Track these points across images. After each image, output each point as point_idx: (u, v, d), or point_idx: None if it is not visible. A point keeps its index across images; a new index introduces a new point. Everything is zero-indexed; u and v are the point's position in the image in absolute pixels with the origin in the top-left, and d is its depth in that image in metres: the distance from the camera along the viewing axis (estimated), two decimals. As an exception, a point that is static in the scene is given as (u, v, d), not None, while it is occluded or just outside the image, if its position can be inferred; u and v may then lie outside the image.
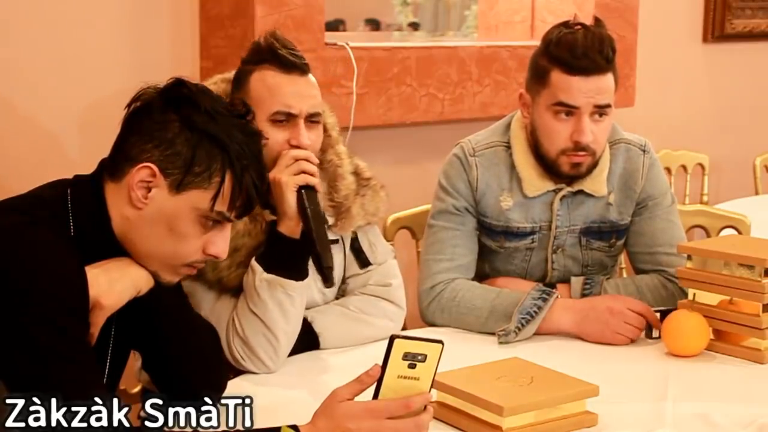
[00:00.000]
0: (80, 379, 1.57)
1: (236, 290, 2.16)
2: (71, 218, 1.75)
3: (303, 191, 2.11)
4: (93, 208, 1.76)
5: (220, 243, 1.78)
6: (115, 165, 1.78)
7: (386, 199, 2.39)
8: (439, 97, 3.60)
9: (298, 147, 2.16)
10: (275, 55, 2.18)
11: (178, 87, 1.78)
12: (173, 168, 1.73)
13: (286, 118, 2.17)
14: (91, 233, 1.75)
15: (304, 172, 2.12)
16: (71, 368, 1.59)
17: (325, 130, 2.29)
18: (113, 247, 1.76)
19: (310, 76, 2.22)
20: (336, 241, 2.26)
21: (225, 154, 1.74)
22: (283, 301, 2.12)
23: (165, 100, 1.76)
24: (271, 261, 2.12)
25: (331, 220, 2.24)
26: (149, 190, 1.74)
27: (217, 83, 2.30)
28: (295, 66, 2.18)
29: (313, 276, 2.17)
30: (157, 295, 1.81)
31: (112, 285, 1.73)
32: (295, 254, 2.13)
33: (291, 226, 2.13)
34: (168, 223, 1.74)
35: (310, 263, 2.14)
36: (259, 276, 2.11)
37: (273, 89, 2.17)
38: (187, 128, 1.74)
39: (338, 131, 2.38)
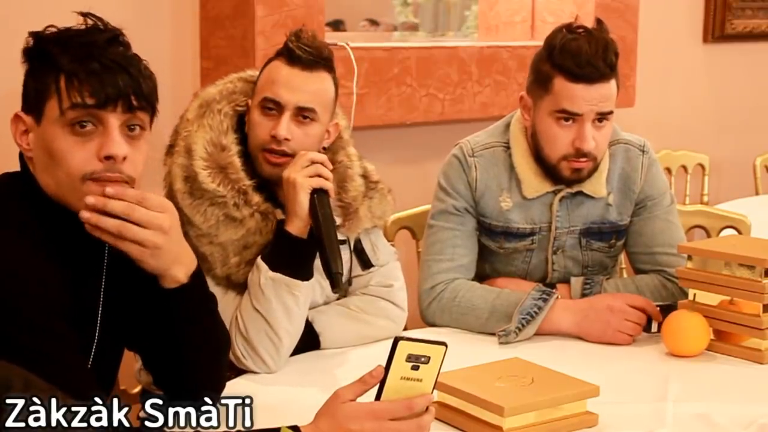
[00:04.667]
0: (67, 378, 1.57)
1: (243, 288, 2.17)
2: (17, 206, 1.74)
3: (316, 195, 2.12)
4: (24, 186, 1.76)
5: (109, 143, 1.70)
6: None
7: (393, 203, 2.41)
8: (440, 97, 3.60)
9: (275, 138, 2.17)
10: (287, 47, 2.20)
11: (31, 41, 1.76)
12: (28, 103, 1.75)
13: (274, 107, 2.18)
14: (35, 208, 1.73)
15: (319, 176, 2.13)
16: (56, 369, 1.58)
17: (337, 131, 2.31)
18: (57, 208, 1.74)
19: (322, 74, 2.21)
20: (343, 242, 2.26)
21: (52, 61, 1.71)
22: (288, 301, 2.12)
23: (25, 59, 1.77)
24: (277, 260, 2.12)
25: (338, 221, 2.24)
26: (28, 135, 1.75)
27: (234, 81, 2.32)
28: (299, 59, 2.18)
29: (315, 277, 2.17)
30: (188, 301, 1.81)
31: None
32: (301, 254, 2.13)
33: (300, 227, 2.13)
34: (48, 150, 1.72)
35: (317, 266, 2.14)
36: (264, 274, 2.12)
37: (271, 77, 2.20)
38: (26, 64, 1.76)
39: (350, 133, 2.39)
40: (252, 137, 2.22)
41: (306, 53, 2.18)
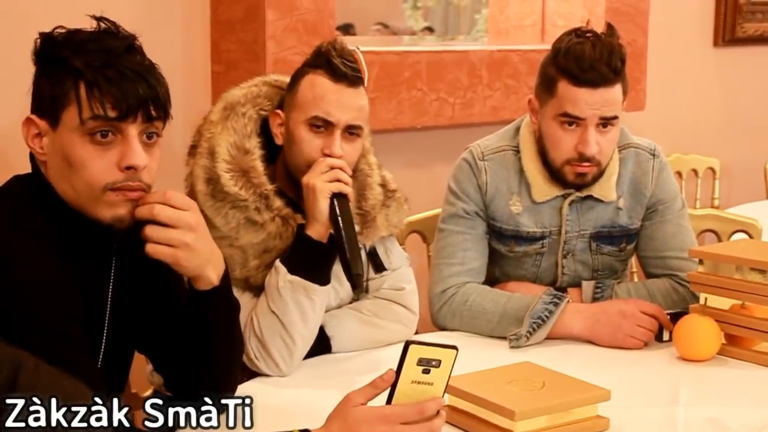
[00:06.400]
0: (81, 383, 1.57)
1: (261, 290, 2.17)
2: (33, 210, 1.73)
3: (336, 199, 2.12)
4: (38, 189, 1.75)
5: (129, 154, 1.70)
6: None
7: (408, 211, 2.41)
8: (450, 101, 3.60)
9: (331, 156, 2.17)
10: (329, 62, 2.18)
11: (44, 42, 1.75)
12: (42, 107, 1.73)
13: (323, 125, 2.17)
14: (49, 212, 1.73)
15: (338, 181, 2.13)
16: (69, 372, 1.59)
17: None
18: (71, 212, 1.74)
19: (362, 89, 2.21)
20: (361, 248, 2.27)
21: (69, 66, 1.70)
22: (304, 304, 2.13)
23: (37, 61, 1.76)
24: (297, 263, 2.13)
25: (356, 228, 2.24)
26: (42, 139, 1.74)
27: (258, 85, 2.32)
28: (345, 76, 2.17)
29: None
30: (212, 307, 1.81)
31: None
32: (321, 258, 2.14)
33: (320, 231, 2.13)
34: (65, 158, 1.71)
35: (333, 270, 2.15)
36: (282, 277, 2.12)
37: (317, 94, 2.18)
38: (39, 66, 1.74)
39: (371, 141, 2.38)
40: (297, 154, 2.19)
41: (350, 69, 2.18)
